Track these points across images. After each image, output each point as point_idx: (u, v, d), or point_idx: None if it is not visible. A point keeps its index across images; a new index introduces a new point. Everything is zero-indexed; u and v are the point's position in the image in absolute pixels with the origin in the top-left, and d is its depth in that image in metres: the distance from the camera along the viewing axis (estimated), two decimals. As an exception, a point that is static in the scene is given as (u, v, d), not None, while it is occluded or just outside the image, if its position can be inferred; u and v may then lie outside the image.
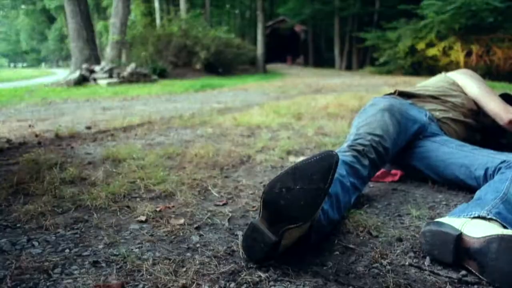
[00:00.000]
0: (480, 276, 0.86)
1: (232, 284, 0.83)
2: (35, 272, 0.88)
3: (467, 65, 11.77)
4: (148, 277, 0.86)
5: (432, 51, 12.94)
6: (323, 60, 27.24)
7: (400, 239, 1.07)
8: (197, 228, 1.13)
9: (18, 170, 1.63)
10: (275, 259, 0.91)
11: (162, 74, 10.99)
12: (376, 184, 1.60)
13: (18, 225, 1.15)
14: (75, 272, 0.88)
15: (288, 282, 0.85)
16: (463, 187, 1.47)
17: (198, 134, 2.58)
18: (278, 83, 8.97)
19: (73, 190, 1.41)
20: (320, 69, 20.95)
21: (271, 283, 0.84)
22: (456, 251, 0.89)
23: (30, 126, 3.00)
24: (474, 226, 0.91)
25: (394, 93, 1.78)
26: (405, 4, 13.58)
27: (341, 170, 1.18)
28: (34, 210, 1.22)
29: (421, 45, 13.08)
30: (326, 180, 0.82)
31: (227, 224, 1.17)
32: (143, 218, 1.19)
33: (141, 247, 1.01)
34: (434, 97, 1.75)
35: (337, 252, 1.00)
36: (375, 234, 1.10)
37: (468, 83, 1.81)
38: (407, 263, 0.94)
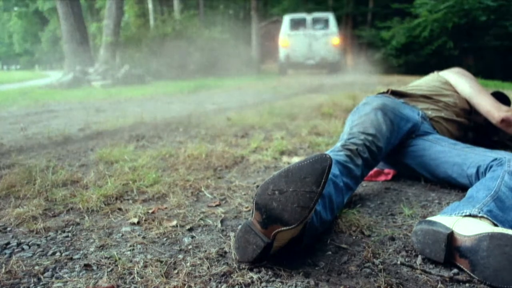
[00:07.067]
0: (471, 274, 0.86)
1: (224, 286, 0.83)
2: (25, 276, 0.87)
3: (460, 64, 11.85)
4: (139, 279, 0.85)
5: (425, 50, 13.01)
6: (317, 60, 27.24)
7: (392, 238, 1.07)
8: (190, 230, 1.13)
9: (9, 173, 1.62)
10: (267, 260, 0.91)
11: (157, 75, 10.96)
12: (369, 183, 1.60)
13: (8, 228, 1.14)
14: (66, 275, 0.88)
15: (280, 283, 0.84)
16: (456, 186, 1.47)
17: (191, 135, 2.57)
18: (272, 83, 8.95)
19: (65, 193, 1.40)
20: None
21: (263, 284, 0.84)
22: (447, 250, 0.90)
23: (22, 129, 2.97)
24: (465, 225, 0.91)
25: (387, 92, 1.79)
26: (398, 3, 13.63)
27: (334, 170, 1.18)
28: (25, 213, 1.21)
29: (414, 44, 13.14)
30: (319, 183, 0.82)
31: (219, 225, 1.17)
32: (135, 220, 1.19)
33: (133, 249, 1.01)
34: (426, 97, 1.76)
35: (330, 252, 1.00)
36: (367, 233, 1.11)
37: (460, 82, 1.82)
38: (399, 262, 0.94)
